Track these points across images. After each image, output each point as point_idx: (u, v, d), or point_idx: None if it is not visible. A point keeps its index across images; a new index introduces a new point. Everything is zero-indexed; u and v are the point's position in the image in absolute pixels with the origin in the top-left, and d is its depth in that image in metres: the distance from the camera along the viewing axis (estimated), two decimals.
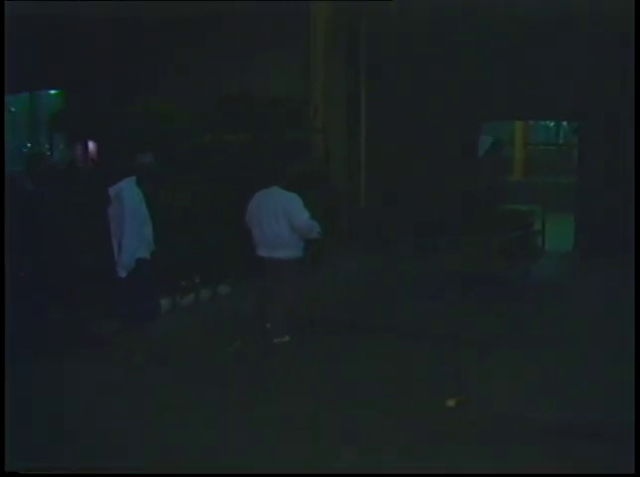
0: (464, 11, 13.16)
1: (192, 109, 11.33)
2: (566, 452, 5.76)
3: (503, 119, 18.45)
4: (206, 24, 13.87)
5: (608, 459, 5.59)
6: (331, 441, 6.07)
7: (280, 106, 12.39)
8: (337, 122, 13.48)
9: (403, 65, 13.83)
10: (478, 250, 11.72)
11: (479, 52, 13.54)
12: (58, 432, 6.28)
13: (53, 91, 18.13)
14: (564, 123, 21.99)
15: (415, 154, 13.85)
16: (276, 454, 5.85)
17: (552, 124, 23.42)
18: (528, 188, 18.27)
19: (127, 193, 7.69)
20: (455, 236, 12.11)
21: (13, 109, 19.10)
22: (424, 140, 13.88)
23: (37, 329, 8.21)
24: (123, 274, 7.67)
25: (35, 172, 8.29)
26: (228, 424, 6.43)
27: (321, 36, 13.32)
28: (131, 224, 7.59)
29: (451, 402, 6.80)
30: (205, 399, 6.99)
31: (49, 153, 15.20)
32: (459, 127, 13.97)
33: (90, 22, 14.60)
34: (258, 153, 11.75)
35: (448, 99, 13.71)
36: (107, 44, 15.26)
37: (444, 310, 10.09)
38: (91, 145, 12.66)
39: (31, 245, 8.07)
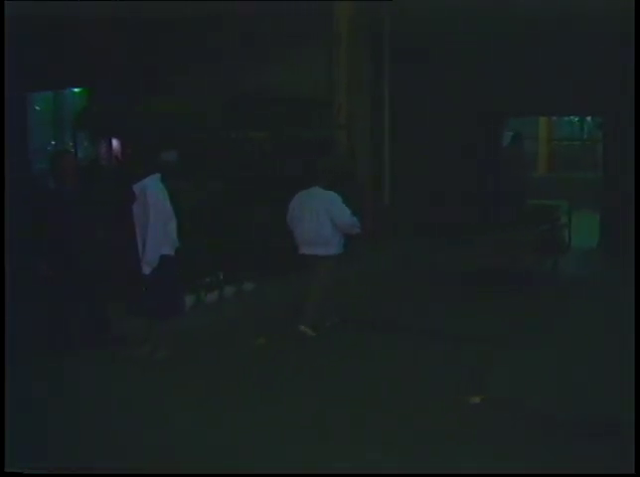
0: (487, 6, 13.06)
1: (216, 107, 11.32)
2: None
3: (527, 115, 18.34)
4: (230, 21, 13.86)
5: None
6: (350, 441, 6.05)
7: (304, 104, 12.39)
8: (361, 120, 13.42)
9: (427, 61, 13.77)
10: (506, 245, 11.64)
11: (502, 47, 13.45)
12: (74, 432, 6.30)
13: (76, 90, 18.24)
14: (589, 118, 21.85)
15: (440, 150, 13.80)
16: (293, 453, 5.84)
17: (576, 119, 23.27)
18: (552, 183, 18.20)
19: (152, 190, 7.73)
20: (482, 231, 12.06)
21: (37, 108, 19.26)
22: (449, 136, 13.82)
23: (61, 327, 8.30)
24: (147, 271, 7.70)
25: (58, 170, 8.29)
26: (246, 422, 6.42)
27: (344, 34, 13.26)
28: (156, 221, 7.63)
29: (476, 399, 6.78)
30: (224, 396, 6.99)
31: (73, 151, 15.29)
32: (483, 123, 13.91)
33: (112, 19, 14.67)
34: (282, 151, 11.76)
35: (472, 95, 13.65)
36: (130, 42, 15.32)
37: (470, 307, 10.06)
38: (115, 143, 12.70)
39: (54, 244, 8.10)
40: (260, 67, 13.46)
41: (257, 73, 13.37)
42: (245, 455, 5.81)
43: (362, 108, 13.50)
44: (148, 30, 14.95)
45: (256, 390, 7.18)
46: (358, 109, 13.37)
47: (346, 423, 6.40)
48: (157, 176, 7.90)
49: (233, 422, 6.42)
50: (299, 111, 12.32)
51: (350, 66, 13.32)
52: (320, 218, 8.66)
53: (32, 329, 8.75)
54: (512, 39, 13.37)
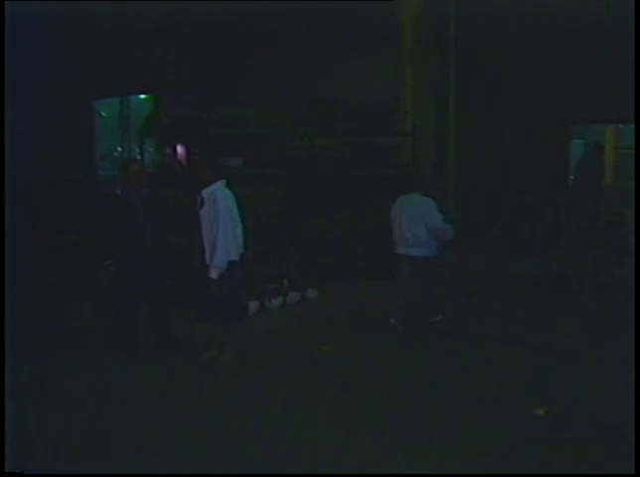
0: (558, 10, 12.89)
1: (282, 113, 11.37)
2: None
3: (594, 122, 18.05)
4: (297, 30, 13.93)
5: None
6: (419, 444, 6.04)
7: (369, 110, 12.37)
8: (425, 127, 13.35)
9: (493, 65, 13.64)
10: (577, 251, 11.54)
11: (572, 52, 13.28)
12: (135, 433, 6.36)
13: (142, 96, 18.48)
14: None
15: (506, 156, 13.66)
16: (357, 454, 5.85)
17: None
18: (618, 192, 17.87)
19: (221, 195, 7.78)
20: (552, 236, 11.92)
21: (104, 114, 19.54)
22: (516, 142, 13.67)
23: (127, 329, 8.42)
24: (215, 275, 7.74)
25: (128, 177, 8.43)
26: (309, 426, 6.43)
27: (409, 38, 13.22)
28: (225, 226, 7.69)
29: (541, 411, 6.68)
30: (288, 402, 6.99)
31: (139, 157, 15.49)
32: (551, 129, 13.73)
33: (180, 26, 14.85)
34: (348, 156, 11.76)
35: (540, 101, 13.47)
36: (198, 49, 15.48)
37: (541, 313, 9.94)
38: (180, 149, 12.82)
39: (123, 248, 8.22)
40: (327, 74, 13.49)
41: (324, 80, 13.40)
42: (306, 456, 5.82)
43: (427, 116, 13.42)
44: (217, 37, 15.10)
45: (320, 395, 7.18)
46: (423, 117, 13.30)
47: (407, 428, 6.38)
48: (223, 182, 7.96)
49: (296, 426, 6.42)
50: (365, 118, 12.30)
51: (415, 74, 13.27)
52: (416, 221, 9.27)
53: (98, 329, 8.94)
54: (577, 44, 13.19)
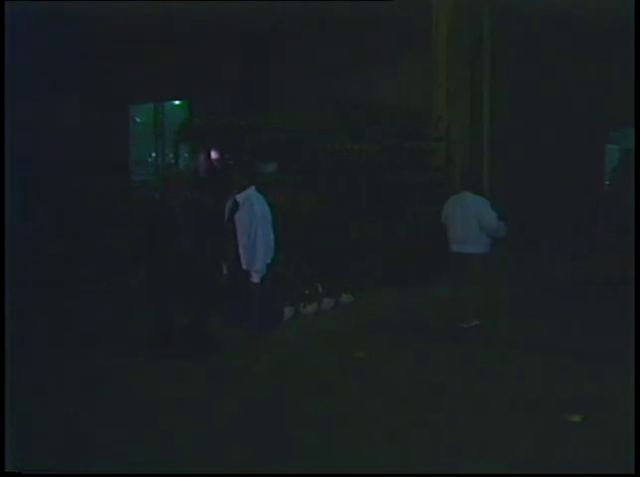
0: (594, 10, 12.75)
1: (316, 118, 11.37)
2: None
3: (630, 127, 17.84)
4: (330, 34, 13.90)
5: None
6: (458, 452, 6.00)
7: (403, 114, 12.34)
8: (459, 132, 13.28)
9: (528, 68, 13.53)
10: (619, 256, 11.46)
11: (609, 54, 13.14)
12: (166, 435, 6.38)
13: (177, 102, 18.56)
14: None
15: (540, 160, 13.54)
16: (386, 457, 5.81)
17: None
18: None
19: (256, 200, 7.83)
20: (588, 239, 11.84)
21: (138, 120, 19.66)
22: (550, 147, 13.55)
23: (163, 331, 8.48)
24: (257, 280, 7.76)
25: (169, 182, 8.54)
26: (342, 433, 6.40)
27: (443, 42, 13.15)
28: (264, 230, 7.73)
29: (576, 418, 6.62)
30: (321, 409, 6.98)
31: (173, 162, 15.60)
32: (586, 134, 13.60)
33: (214, 32, 14.90)
34: (382, 161, 11.74)
35: (576, 105, 13.35)
36: (233, 55, 15.52)
37: (585, 320, 9.92)
38: (214, 154, 12.86)
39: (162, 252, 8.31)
40: (361, 79, 13.46)
41: (358, 85, 13.37)
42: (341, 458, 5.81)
43: (461, 120, 13.35)
44: (251, 43, 15.11)
45: (355, 402, 7.15)
46: (457, 121, 13.23)
47: (441, 435, 6.35)
48: (254, 187, 7.98)
49: (328, 433, 6.40)
50: (399, 123, 12.26)
51: (449, 78, 13.20)
52: (469, 219, 9.61)
53: (134, 331, 9.02)
54: (613, 47, 13.05)
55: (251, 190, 7.93)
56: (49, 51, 16.27)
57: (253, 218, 7.71)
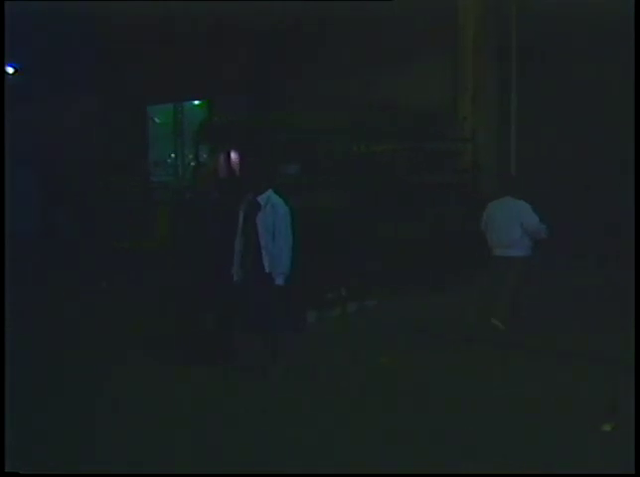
0: (621, 6, 12.45)
1: (339, 118, 11.20)
2: None
3: None
4: (354, 34, 13.73)
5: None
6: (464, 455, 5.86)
7: (428, 115, 12.15)
8: (486, 131, 13.04)
9: (555, 68, 13.26)
10: None
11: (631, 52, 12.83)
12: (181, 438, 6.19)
13: (196, 102, 18.43)
14: None
15: (570, 162, 13.26)
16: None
17: None
18: None
19: (279, 202, 7.64)
20: (619, 245, 11.57)
21: (157, 120, 19.54)
22: (578, 148, 13.26)
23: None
24: (282, 282, 7.56)
25: (200, 181, 8.43)
26: (360, 440, 6.24)
27: (469, 44, 12.94)
28: (287, 231, 7.58)
29: (607, 427, 6.37)
30: (342, 413, 6.82)
31: (193, 163, 15.43)
32: (616, 135, 13.28)
33: (233, 33, 14.77)
34: (407, 163, 11.55)
35: (606, 102, 13.05)
36: (253, 55, 15.38)
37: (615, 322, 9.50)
38: (234, 155, 12.72)
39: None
40: (386, 79, 13.27)
41: (383, 85, 13.19)
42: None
43: (487, 122, 13.12)
44: (270, 44, 14.97)
45: (377, 409, 6.95)
46: (483, 123, 13.00)
47: (461, 440, 6.18)
48: (273, 189, 7.77)
49: (346, 439, 6.24)
50: (424, 124, 12.08)
51: (475, 78, 12.98)
52: (511, 223, 9.65)
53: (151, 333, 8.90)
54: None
55: (271, 192, 7.73)
56: (64, 52, 16.21)
57: (277, 219, 7.54)
